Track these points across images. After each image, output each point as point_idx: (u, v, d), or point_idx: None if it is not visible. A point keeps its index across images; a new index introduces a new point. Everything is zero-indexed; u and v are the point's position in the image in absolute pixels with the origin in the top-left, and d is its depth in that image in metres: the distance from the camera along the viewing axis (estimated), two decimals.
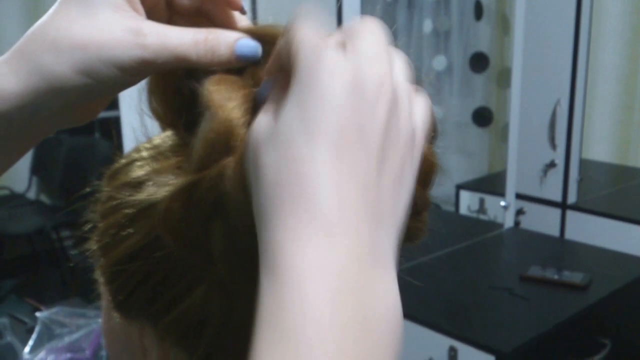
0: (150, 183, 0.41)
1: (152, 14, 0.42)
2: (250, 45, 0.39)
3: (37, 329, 1.60)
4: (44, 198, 3.95)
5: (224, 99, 0.36)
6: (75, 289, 3.16)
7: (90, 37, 0.38)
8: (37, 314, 1.63)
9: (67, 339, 1.57)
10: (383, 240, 0.31)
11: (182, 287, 0.39)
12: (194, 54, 0.38)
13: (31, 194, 3.89)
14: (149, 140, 0.44)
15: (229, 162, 0.35)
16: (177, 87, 0.41)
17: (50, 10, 0.40)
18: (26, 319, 1.76)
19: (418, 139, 0.34)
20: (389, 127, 0.32)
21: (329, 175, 0.30)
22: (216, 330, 0.39)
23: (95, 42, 0.38)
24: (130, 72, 0.38)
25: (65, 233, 3.64)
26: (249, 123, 0.36)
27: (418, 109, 0.35)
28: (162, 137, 0.44)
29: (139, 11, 0.40)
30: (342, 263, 0.29)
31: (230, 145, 0.35)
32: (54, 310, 1.64)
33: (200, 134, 0.36)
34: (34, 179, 3.88)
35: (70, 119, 0.41)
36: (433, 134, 0.40)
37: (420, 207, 0.40)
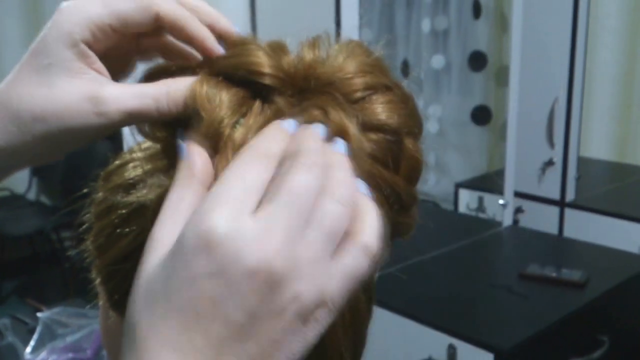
0: (142, 184, 0.41)
1: (116, 51, 0.41)
2: None
3: (38, 329, 1.60)
4: (44, 199, 3.95)
5: (209, 101, 0.37)
6: (72, 289, 3.16)
7: (50, 108, 0.39)
8: (38, 314, 1.63)
9: (68, 339, 1.57)
10: None
11: None
12: (156, 110, 0.39)
13: (31, 195, 3.89)
14: (142, 141, 0.44)
15: (216, 162, 0.36)
16: None
17: (11, 75, 0.40)
18: (27, 320, 1.77)
19: (322, 313, 0.32)
20: (257, 309, 0.31)
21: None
22: None
23: (55, 114, 0.39)
24: (92, 138, 0.40)
25: (65, 234, 3.64)
26: (235, 123, 0.36)
27: (335, 286, 0.32)
28: None
29: (97, 67, 0.40)
30: None
31: (216, 146, 0.36)
32: (55, 310, 1.64)
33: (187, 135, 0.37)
34: (34, 180, 3.88)
35: (40, 162, 0.43)
36: (417, 130, 0.41)
37: (408, 203, 0.40)
